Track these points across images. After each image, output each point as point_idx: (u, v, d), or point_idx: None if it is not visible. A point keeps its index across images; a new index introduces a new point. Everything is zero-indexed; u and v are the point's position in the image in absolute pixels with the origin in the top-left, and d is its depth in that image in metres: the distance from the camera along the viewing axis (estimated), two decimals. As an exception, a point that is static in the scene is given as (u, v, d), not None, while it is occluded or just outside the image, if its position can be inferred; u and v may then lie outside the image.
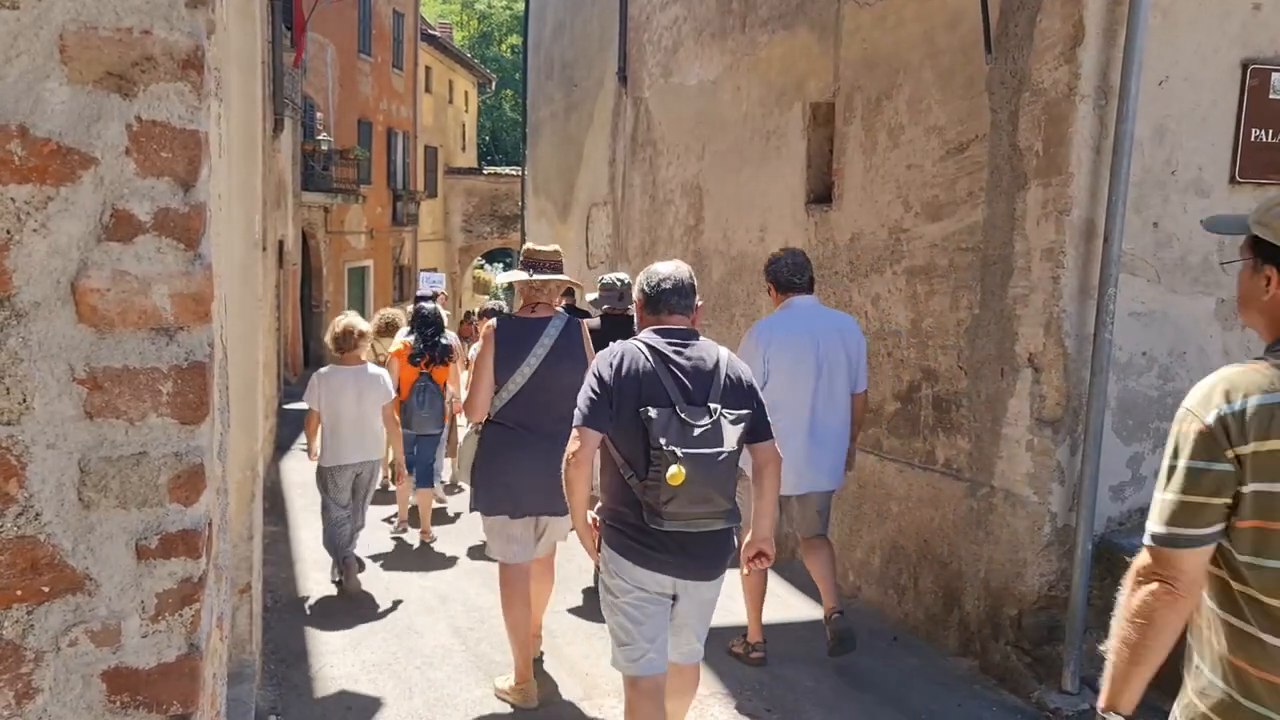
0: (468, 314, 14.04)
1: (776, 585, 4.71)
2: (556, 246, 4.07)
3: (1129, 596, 1.66)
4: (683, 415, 2.74)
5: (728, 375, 2.88)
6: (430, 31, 27.76)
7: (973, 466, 4.43)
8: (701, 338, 2.99)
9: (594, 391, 2.82)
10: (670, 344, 2.88)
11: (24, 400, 1.26)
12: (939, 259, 4.66)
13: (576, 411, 2.84)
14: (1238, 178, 3.85)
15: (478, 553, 6.14)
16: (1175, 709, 1.71)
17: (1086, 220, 3.85)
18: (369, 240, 21.91)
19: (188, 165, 1.29)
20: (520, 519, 3.91)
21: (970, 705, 4.00)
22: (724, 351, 2.96)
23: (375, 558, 6.09)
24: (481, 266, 29.20)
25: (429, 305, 6.50)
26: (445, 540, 6.50)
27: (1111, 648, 1.69)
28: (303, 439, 5.73)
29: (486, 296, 20.09)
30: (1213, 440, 1.55)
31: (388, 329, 7.16)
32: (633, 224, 9.09)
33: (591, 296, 5.61)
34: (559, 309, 4.10)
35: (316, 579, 5.61)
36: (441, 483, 7.20)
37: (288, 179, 12.79)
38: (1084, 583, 3.81)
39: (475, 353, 4.14)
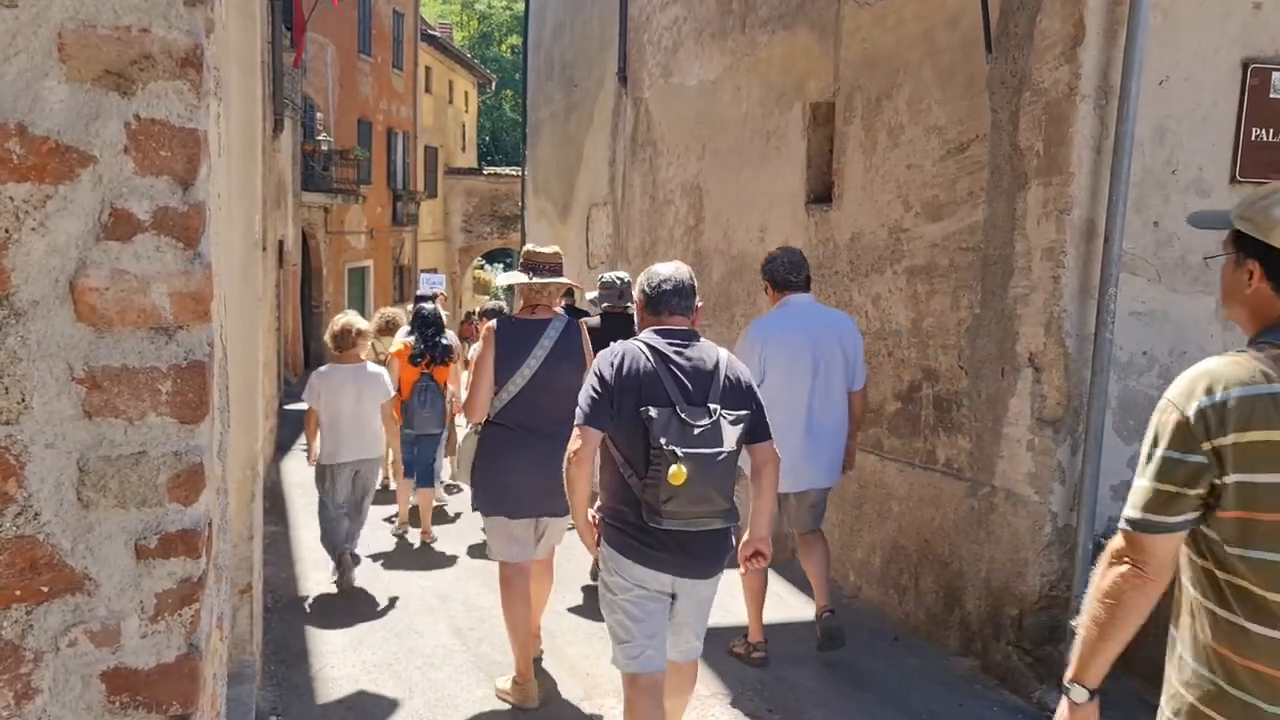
0: (468, 314, 14.04)
1: (777, 585, 4.71)
2: (557, 248, 4.07)
3: (1101, 577, 1.71)
4: (683, 415, 2.76)
5: (727, 376, 2.90)
6: (430, 32, 27.76)
7: (973, 466, 4.42)
8: (702, 339, 3.01)
9: (595, 391, 2.84)
10: (671, 344, 2.90)
11: (23, 399, 1.25)
12: (939, 259, 4.66)
13: (578, 410, 2.86)
14: (1238, 177, 3.85)
15: (478, 552, 6.14)
16: (1162, 701, 1.72)
17: (1087, 220, 3.85)
18: (369, 240, 21.91)
19: (186, 164, 1.29)
20: (520, 519, 3.92)
21: (971, 705, 4.00)
22: (723, 352, 2.99)
23: (376, 557, 6.08)
24: (481, 267, 29.21)
25: (429, 306, 6.51)
26: (445, 540, 6.49)
27: (1081, 624, 1.74)
28: (303, 440, 5.73)
29: (487, 296, 20.09)
30: (1190, 432, 1.58)
31: (388, 328, 7.16)
32: (633, 224, 9.08)
33: (591, 295, 5.62)
34: (559, 310, 4.12)
35: (317, 579, 5.61)
36: (441, 482, 7.20)
37: (288, 179, 12.78)
38: (1085, 582, 3.79)
39: (474, 351, 4.14)
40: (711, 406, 2.81)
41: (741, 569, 3.18)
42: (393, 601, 5.22)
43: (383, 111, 22.97)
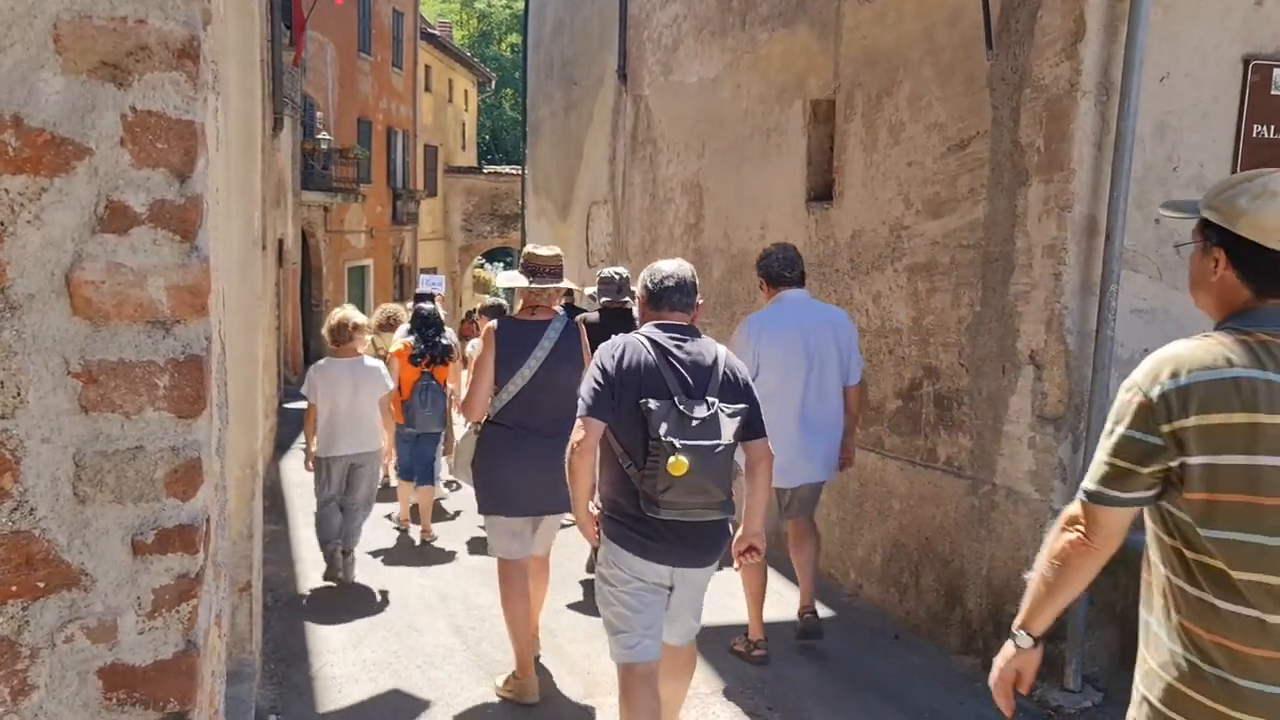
0: (468, 313, 14.03)
1: (777, 584, 4.71)
2: (557, 250, 4.07)
3: (1053, 539, 1.80)
4: (681, 407, 2.81)
5: (726, 371, 2.96)
6: (430, 30, 27.74)
7: (974, 464, 4.41)
8: (702, 335, 3.05)
9: (597, 382, 2.88)
10: (671, 338, 2.96)
11: (18, 394, 1.24)
12: (940, 256, 4.65)
13: (580, 402, 2.91)
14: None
15: (477, 549, 6.14)
16: (1136, 679, 1.77)
17: (1088, 217, 3.84)
18: (369, 239, 21.90)
19: (183, 156, 1.28)
20: (520, 517, 3.94)
21: (972, 703, 3.99)
22: (722, 349, 3.05)
23: (376, 554, 6.09)
24: (482, 266, 29.20)
25: (428, 306, 6.52)
26: (445, 538, 6.49)
27: (1032, 579, 1.85)
28: (303, 439, 5.75)
29: (487, 295, 20.10)
30: (1151, 414, 1.63)
31: (389, 324, 7.16)
32: (633, 222, 9.07)
33: (590, 290, 5.63)
34: (558, 309, 4.14)
35: (317, 578, 5.60)
36: (441, 480, 7.21)
37: (287, 178, 12.77)
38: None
39: (473, 347, 4.15)
40: (710, 400, 2.85)
41: (736, 564, 3.20)
42: (390, 598, 5.22)
43: (382, 110, 22.96)
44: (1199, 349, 1.64)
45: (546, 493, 3.81)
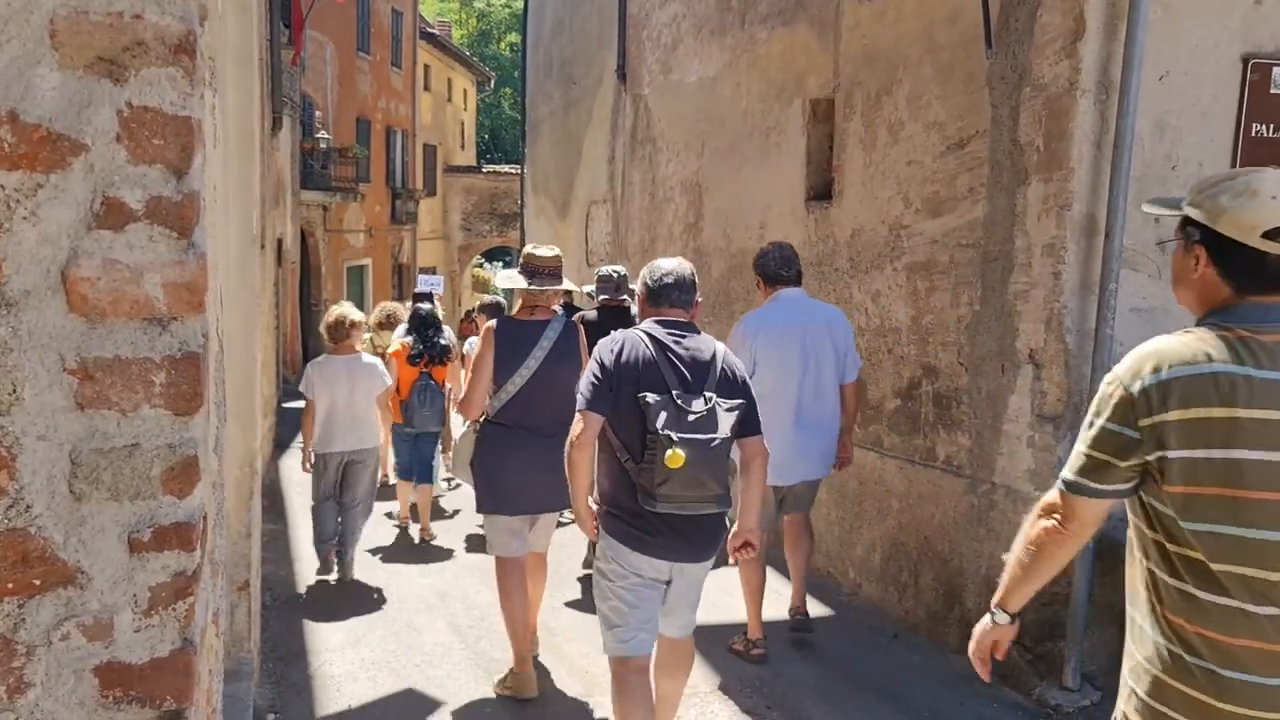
0: (468, 313, 14.02)
1: (776, 583, 4.71)
2: (557, 251, 4.08)
3: (1030, 525, 1.86)
4: (679, 402, 2.83)
5: (723, 368, 2.99)
6: (429, 29, 27.73)
7: (973, 463, 4.41)
8: (701, 332, 3.08)
9: (596, 377, 2.91)
10: (670, 334, 2.98)
11: (14, 391, 1.24)
12: (939, 255, 4.64)
13: (579, 395, 2.94)
14: (1239, 173, 3.83)
15: (475, 546, 6.14)
16: (1124, 672, 1.80)
17: (1087, 216, 3.84)
18: (368, 239, 21.89)
19: (180, 152, 1.27)
20: (520, 515, 3.97)
21: (971, 702, 3.99)
22: (720, 345, 3.08)
23: (375, 552, 6.09)
24: (481, 265, 29.18)
25: (425, 306, 6.55)
26: (444, 536, 6.49)
27: (1009, 561, 1.91)
28: (301, 439, 5.77)
29: (486, 294, 20.15)
30: (1130, 408, 1.66)
31: (388, 322, 7.17)
32: (632, 222, 9.07)
33: (588, 288, 5.65)
34: (557, 309, 4.16)
35: (315, 578, 5.59)
36: (445, 479, 7.26)
37: (286, 177, 12.76)
38: (1085, 580, 3.80)
39: (470, 345, 4.16)
40: (707, 395, 2.88)
41: (731, 559, 3.22)
42: (388, 597, 5.21)
43: (381, 109, 22.95)
44: (1180, 344, 1.66)
45: (545, 491, 3.85)
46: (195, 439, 1.34)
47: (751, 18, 6.57)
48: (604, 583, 3.05)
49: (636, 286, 3.23)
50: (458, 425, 6.03)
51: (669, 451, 2.74)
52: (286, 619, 4.90)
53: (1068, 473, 1.77)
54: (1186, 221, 1.75)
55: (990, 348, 4.30)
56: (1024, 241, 4.08)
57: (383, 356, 6.35)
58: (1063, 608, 3.93)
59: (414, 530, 6.53)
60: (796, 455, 4.21)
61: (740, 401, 2.94)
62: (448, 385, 6.62)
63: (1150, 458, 1.64)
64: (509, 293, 8.24)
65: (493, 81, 34.24)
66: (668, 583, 3.03)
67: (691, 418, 2.81)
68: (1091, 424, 1.73)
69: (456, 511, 7.21)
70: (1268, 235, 1.63)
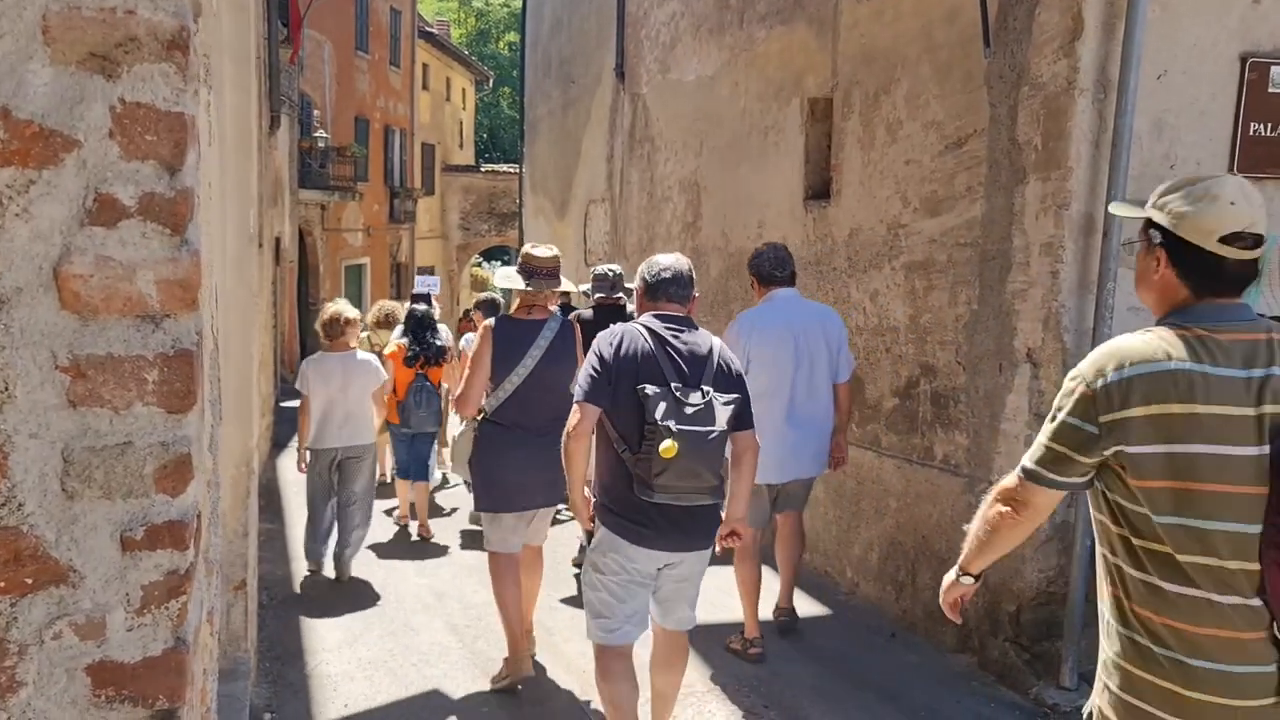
0: (466, 311, 14.02)
1: (774, 582, 4.70)
2: (555, 251, 4.10)
3: (988, 506, 1.96)
4: (677, 394, 2.87)
5: (720, 362, 3.04)
6: (427, 29, 27.71)
7: (971, 462, 4.41)
8: (698, 327, 3.12)
9: (595, 369, 2.95)
10: (668, 328, 3.03)
11: (6, 389, 1.23)
12: (937, 254, 4.64)
13: (577, 388, 2.99)
14: (1236, 172, 3.82)
15: (470, 544, 6.14)
16: (1099, 669, 1.85)
17: (1085, 215, 3.83)
18: (366, 238, 21.87)
19: (173, 148, 1.26)
20: (518, 512, 4.01)
21: (969, 702, 3.99)
22: (717, 340, 3.12)
23: (373, 548, 6.09)
24: (479, 264, 29.16)
25: (421, 307, 6.59)
26: (441, 534, 6.50)
27: (969, 533, 2.02)
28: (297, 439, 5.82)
29: (485, 292, 20.13)
30: (1091, 405, 1.72)
31: (386, 321, 7.18)
32: (630, 221, 9.06)
33: (584, 287, 5.68)
34: (554, 309, 4.20)
35: (313, 577, 5.59)
36: (442, 474, 7.29)
37: (284, 176, 12.75)
38: (1082, 579, 3.80)
39: (467, 342, 4.19)
40: (704, 388, 2.93)
41: (718, 548, 3.27)
42: (386, 597, 5.20)
43: (380, 109, 22.93)
44: (1141, 343, 1.72)
45: (543, 487, 3.93)
46: (188, 437, 1.33)
47: (750, 17, 6.57)
48: (595, 575, 3.10)
49: (635, 282, 3.27)
50: (455, 424, 6.04)
51: (665, 442, 2.78)
52: (283, 618, 4.89)
53: (1028, 461, 1.84)
54: (1149, 224, 1.80)
55: (988, 347, 4.29)
56: (1022, 240, 4.07)
57: (380, 355, 6.36)
58: (1060, 607, 3.93)
59: (413, 528, 6.54)
60: (790, 454, 4.23)
61: (736, 396, 2.99)
62: (444, 386, 6.66)
63: (1108, 453, 1.71)
64: (507, 291, 8.26)
65: (491, 81, 34.22)
66: (661, 569, 3.08)
67: (689, 410, 2.85)
68: (1054, 417, 1.79)
69: (454, 510, 7.21)
70: (1225, 240, 1.69)
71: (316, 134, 17.86)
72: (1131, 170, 3.71)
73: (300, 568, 5.73)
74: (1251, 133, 3.83)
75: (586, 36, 10.55)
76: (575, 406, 2.95)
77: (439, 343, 6.45)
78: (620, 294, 5.33)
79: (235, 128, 3.66)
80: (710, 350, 3.03)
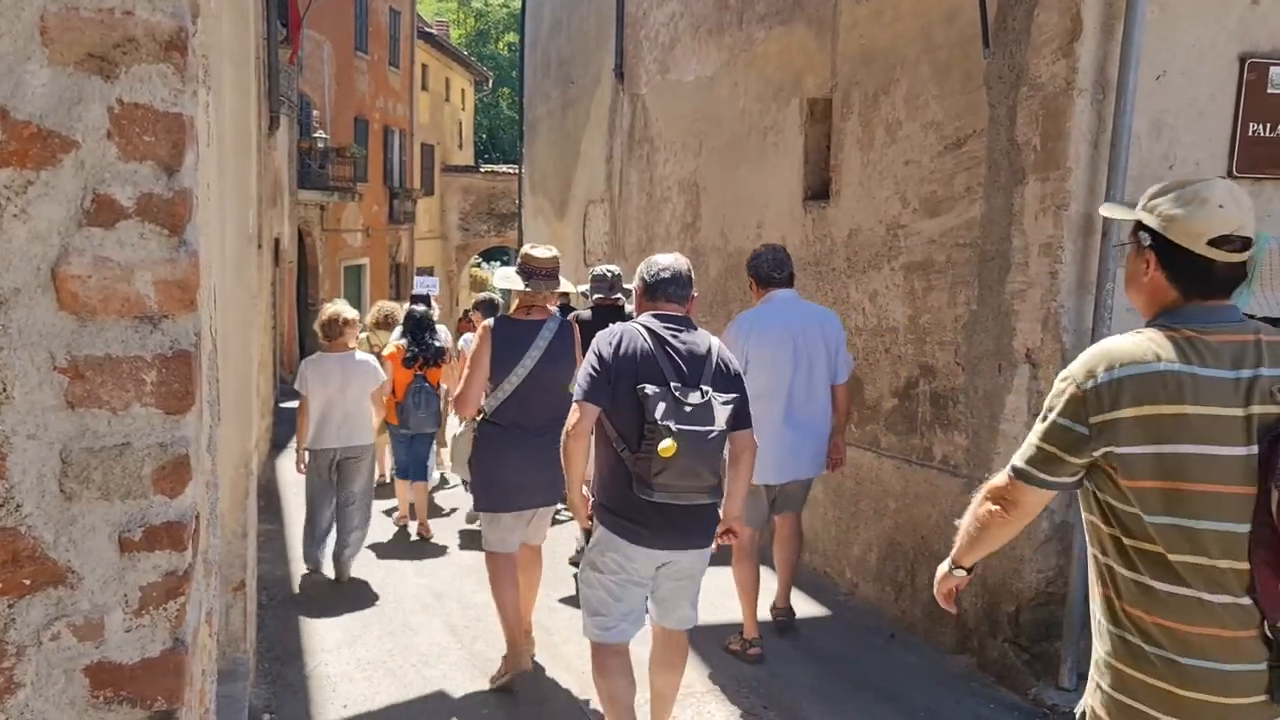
0: (465, 312, 14.02)
1: (772, 582, 4.70)
2: (554, 252, 4.11)
3: (978, 504, 1.98)
4: (677, 394, 2.89)
5: (718, 361, 3.05)
6: (427, 29, 27.71)
7: (970, 463, 4.41)
8: (697, 327, 3.14)
9: (594, 369, 2.97)
10: (668, 328, 3.04)
11: (4, 389, 1.23)
12: (937, 255, 4.64)
13: (576, 387, 3.01)
14: (1235, 172, 3.83)
15: (469, 544, 6.13)
16: (1091, 667, 1.87)
17: (1084, 215, 3.83)
18: (365, 238, 21.87)
19: (171, 149, 1.26)
20: (517, 511, 4.03)
21: (968, 702, 3.99)
22: (715, 340, 3.14)
23: (372, 548, 6.10)
24: (479, 265, 29.16)
25: (419, 308, 6.61)
26: (440, 535, 6.50)
27: (960, 529, 2.04)
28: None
29: (484, 293, 20.11)
30: (1082, 406, 1.73)
31: (386, 322, 7.19)
32: (630, 221, 9.06)
33: (582, 288, 5.70)
34: (553, 309, 4.21)
35: (312, 578, 5.59)
36: (440, 474, 7.31)
37: (284, 176, 12.75)
38: (1081, 580, 3.79)
39: (465, 342, 4.21)
40: (704, 388, 2.94)
41: (714, 546, 3.29)
42: (385, 597, 5.20)
43: (379, 109, 22.92)
44: (1131, 344, 1.74)
45: (543, 487, 3.95)
46: (187, 438, 1.33)
47: (749, 17, 6.57)
48: (593, 574, 3.11)
49: (634, 282, 3.28)
50: (454, 424, 6.06)
51: (664, 442, 2.79)
52: (282, 619, 4.89)
53: (1018, 460, 1.86)
54: (1139, 226, 1.82)
55: (987, 347, 4.29)
56: (1021, 241, 4.07)
57: (379, 356, 6.37)
58: (1059, 608, 3.93)
59: (412, 528, 6.55)
60: (788, 454, 4.24)
61: (735, 395, 3.00)
62: (443, 387, 6.68)
63: (1097, 453, 1.72)
64: (506, 292, 8.26)
65: (490, 81, 34.22)
66: (660, 568, 3.09)
67: (689, 409, 2.86)
68: (1045, 417, 1.81)
69: (453, 510, 7.21)
70: (1213, 243, 1.71)
71: (316, 134, 17.86)
72: (1130, 171, 3.71)
73: (299, 568, 5.73)
74: (1250, 133, 3.83)
75: (586, 37, 10.55)
76: (575, 406, 2.97)
77: (437, 343, 6.47)
78: (619, 295, 5.34)
79: (234, 128, 3.66)
80: (709, 350, 3.05)
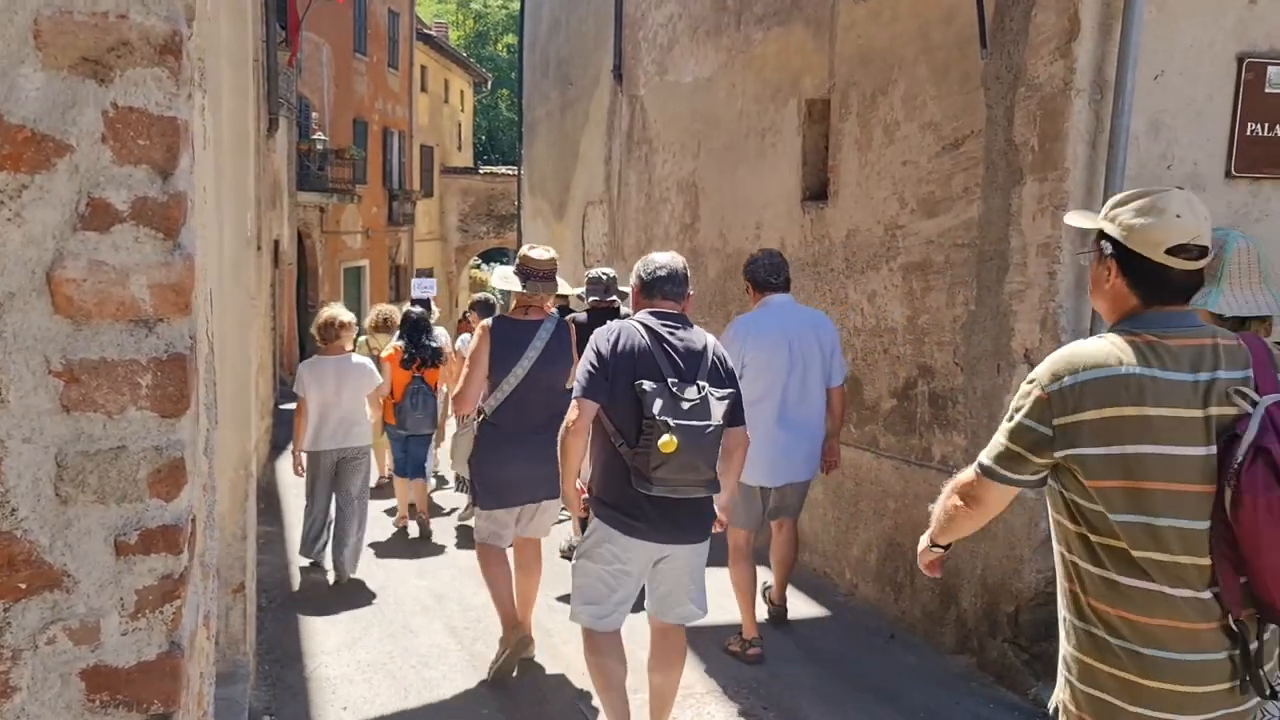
0: (464, 313, 14.03)
1: (768, 579, 4.70)
2: (552, 254, 4.16)
3: (946, 497, 2.08)
4: (674, 389, 2.93)
5: (714, 358, 3.10)
6: (426, 31, 27.71)
7: (969, 463, 4.38)
8: (693, 325, 3.18)
9: (592, 365, 3.00)
10: (664, 325, 3.08)
11: (-1, 393, 1.23)
12: (935, 255, 4.64)
13: (575, 383, 3.04)
14: (1233, 171, 3.83)
15: (469, 543, 6.13)
16: (1059, 663, 1.95)
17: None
18: (365, 240, 21.87)
19: (166, 153, 1.26)
20: (514, 507, 4.12)
21: (967, 702, 3.99)
22: (710, 337, 3.19)
23: (372, 548, 6.10)
24: (478, 266, 29.17)
25: (416, 310, 6.68)
26: (440, 534, 6.51)
27: (933, 514, 2.14)
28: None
29: (484, 292, 20.09)
30: (1046, 408, 1.80)
31: (385, 325, 7.23)
32: (628, 222, 9.06)
33: (579, 290, 5.75)
34: (551, 310, 4.28)
35: (311, 577, 5.59)
36: (436, 475, 7.34)
37: (283, 178, 12.75)
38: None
39: (463, 342, 4.28)
40: (700, 383, 2.98)
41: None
42: (385, 599, 5.20)
43: (378, 111, 22.93)
44: (1094, 349, 1.80)
45: (544, 482, 3.99)
46: (182, 441, 1.33)
47: (747, 18, 6.57)
48: (588, 563, 3.16)
49: (631, 279, 3.31)
50: (453, 425, 6.09)
51: (664, 437, 2.82)
52: (282, 621, 4.89)
53: (985, 458, 1.94)
54: (1101, 235, 1.88)
55: (985, 347, 4.29)
56: (1019, 241, 4.07)
57: (377, 359, 6.41)
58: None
59: (413, 528, 6.58)
60: (781, 456, 4.26)
61: (731, 391, 3.05)
62: (443, 388, 6.73)
63: (1059, 454, 1.79)
64: (505, 293, 8.29)
65: (490, 83, 34.25)
66: (658, 563, 3.12)
67: (686, 405, 2.90)
68: (1011, 418, 1.88)
69: (453, 510, 7.22)
70: (1171, 251, 1.77)
71: (315, 136, 17.86)
72: (1128, 171, 3.71)
73: (299, 570, 5.73)
74: (1248, 132, 3.83)
75: (584, 38, 10.55)
76: (574, 402, 3.00)
77: (434, 345, 6.52)
78: (614, 297, 5.39)
79: (233, 130, 3.66)
80: (705, 347, 3.10)
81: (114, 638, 1.30)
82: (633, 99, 8.90)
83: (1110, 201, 1.90)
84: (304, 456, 5.43)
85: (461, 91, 31.75)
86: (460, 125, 31.68)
